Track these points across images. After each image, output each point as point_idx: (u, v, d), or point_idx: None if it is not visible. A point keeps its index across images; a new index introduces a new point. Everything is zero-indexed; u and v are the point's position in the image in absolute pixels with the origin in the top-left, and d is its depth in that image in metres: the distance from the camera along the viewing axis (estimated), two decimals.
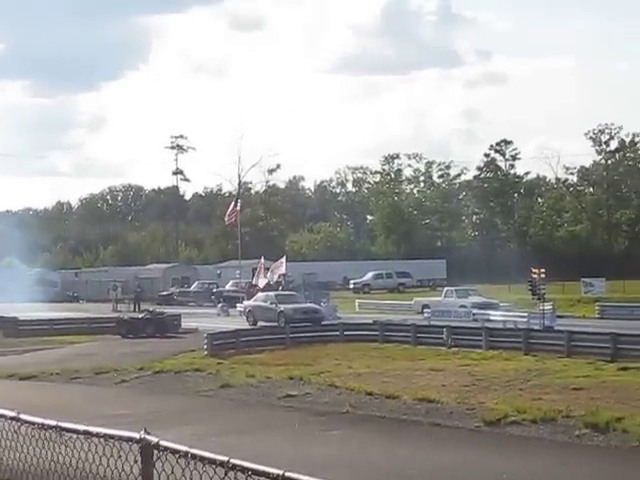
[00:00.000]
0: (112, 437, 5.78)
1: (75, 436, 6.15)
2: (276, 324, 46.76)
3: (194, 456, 5.09)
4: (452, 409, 20.11)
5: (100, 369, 30.19)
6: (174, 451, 5.24)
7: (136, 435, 5.51)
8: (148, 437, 5.44)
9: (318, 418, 21.22)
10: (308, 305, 51.27)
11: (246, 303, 54.37)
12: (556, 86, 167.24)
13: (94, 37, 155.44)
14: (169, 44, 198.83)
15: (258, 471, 4.66)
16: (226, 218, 73.52)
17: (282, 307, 49.13)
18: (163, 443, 5.32)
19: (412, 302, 58.95)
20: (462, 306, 51.73)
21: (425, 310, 51.81)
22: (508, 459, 17.04)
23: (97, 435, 5.91)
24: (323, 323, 46.06)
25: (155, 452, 5.41)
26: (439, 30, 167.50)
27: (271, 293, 53.65)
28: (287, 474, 4.54)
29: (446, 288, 59.45)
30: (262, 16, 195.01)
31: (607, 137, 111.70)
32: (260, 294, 54.37)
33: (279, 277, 62.47)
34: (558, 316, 45.50)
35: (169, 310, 54.34)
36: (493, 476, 15.29)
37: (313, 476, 4.49)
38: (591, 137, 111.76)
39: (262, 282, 60.85)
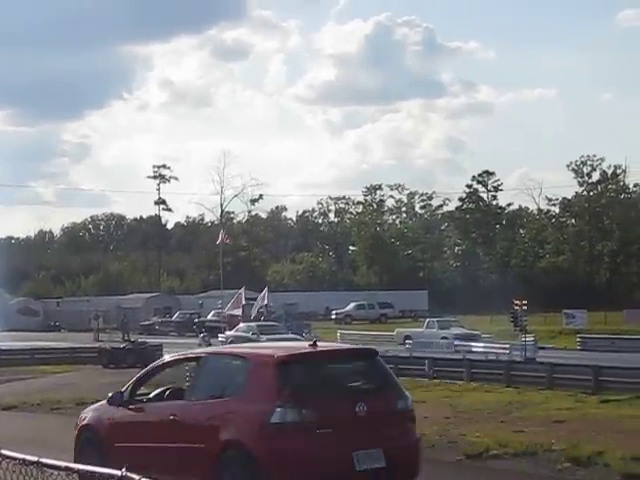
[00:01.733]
0: (93, 474, 5.76)
1: (56, 472, 6.12)
2: None
3: None
4: (434, 442, 19.96)
5: (81, 399, 29.90)
6: None
7: (117, 472, 5.49)
8: (130, 474, 5.42)
9: None
10: (290, 336, 51.24)
11: (228, 333, 54.31)
12: (539, 117, 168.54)
13: (78, 66, 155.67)
14: (153, 73, 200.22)
15: None
16: (221, 238, 72.55)
17: (264, 338, 49.08)
18: None
19: (394, 333, 58.87)
20: (444, 337, 51.76)
21: (407, 341, 51.78)
22: None
23: (78, 472, 5.90)
24: None
25: None
26: (423, 60, 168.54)
27: (253, 324, 53.70)
28: None
29: (428, 319, 59.36)
30: (245, 45, 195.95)
31: (589, 169, 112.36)
32: (242, 324, 54.34)
33: (260, 308, 62.34)
34: (540, 348, 45.51)
35: (151, 340, 54.08)
36: None
37: None
38: (573, 169, 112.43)
39: (237, 312, 60.44)
